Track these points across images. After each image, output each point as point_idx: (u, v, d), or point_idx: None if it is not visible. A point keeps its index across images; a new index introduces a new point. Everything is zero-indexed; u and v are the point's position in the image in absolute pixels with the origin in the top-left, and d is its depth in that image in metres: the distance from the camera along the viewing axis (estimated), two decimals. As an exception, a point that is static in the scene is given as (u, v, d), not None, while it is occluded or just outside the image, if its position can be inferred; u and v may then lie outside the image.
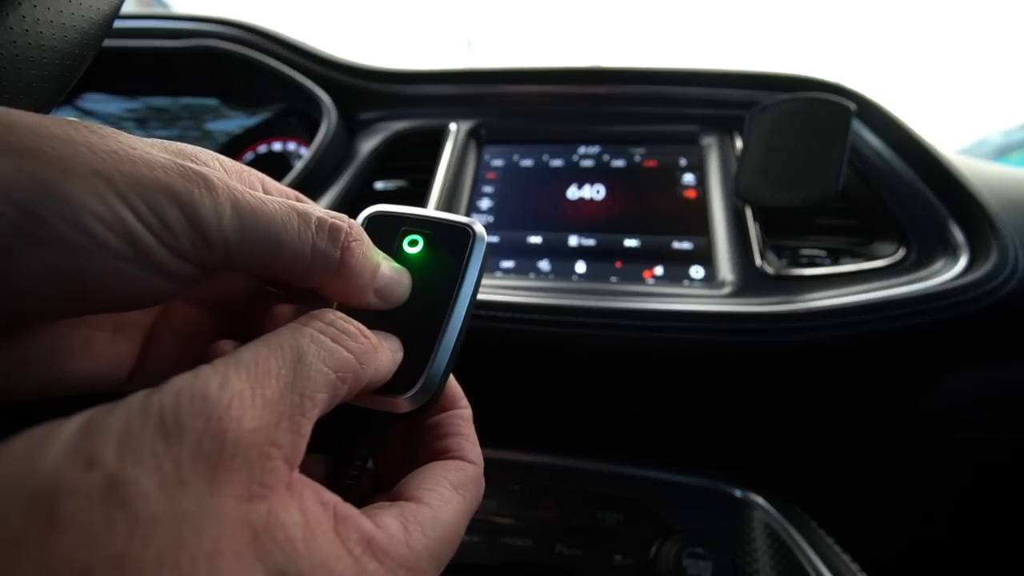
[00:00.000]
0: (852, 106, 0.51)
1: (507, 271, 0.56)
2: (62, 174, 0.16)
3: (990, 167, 0.57)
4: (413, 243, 0.26)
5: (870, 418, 0.53)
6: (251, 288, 0.26)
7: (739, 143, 0.59)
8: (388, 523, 0.18)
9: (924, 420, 0.52)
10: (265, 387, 0.16)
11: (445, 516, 0.21)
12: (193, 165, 0.19)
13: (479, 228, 0.27)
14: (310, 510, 0.17)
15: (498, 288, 0.50)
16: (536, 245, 0.57)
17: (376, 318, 0.24)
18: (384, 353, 0.22)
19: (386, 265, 0.24)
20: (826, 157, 0.50)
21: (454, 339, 0.25)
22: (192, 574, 0.13)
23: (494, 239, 0.58)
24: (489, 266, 0.56)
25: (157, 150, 0.19)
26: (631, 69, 0.63)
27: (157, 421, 0.14)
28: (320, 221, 0.21)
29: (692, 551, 0.43)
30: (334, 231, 0.21)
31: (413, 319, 0.25)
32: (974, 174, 0.50)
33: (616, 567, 0.44)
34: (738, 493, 0.48)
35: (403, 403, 0.24)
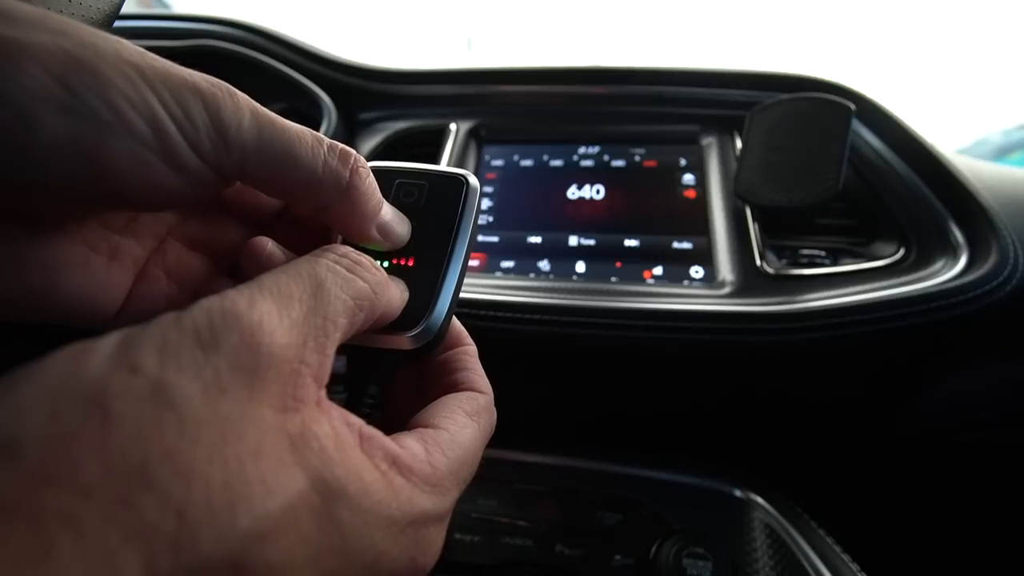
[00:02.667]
0: (852, 106, 0.51)
1: (507, 271, 0.56)
2: (96, 55, 0.16)
3: (990, 167, 0.57)
4: (408, 194, 0.28)
5: (870, 418, 0.53)
6: (245, 234, 0.26)
7: (739, 143, 0.59)
8: (410, 444, 0.19)
9: (924, 420, 0.52)
10: (290, 309, 0.17)
11: (463, 439, 0.22)
12: (213, 78, 0.20)
13: (472, 177, 0.28)
14: (338, 427, 0.17)
15: (498, 288, 0.50)
16: (536, 245, 0.57)
17: (382, 260, 0.26)
18: (394, 287, 0.23)
19: (387, 206, 0.25)
20: (826, 157, 0.50)
21: (455, 281, 0.26)
22: (239, 472, 0.14)
23: (494, 239, 0.58)
24: (489, 266, 0.56)
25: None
26: (631, 69, 0.63)
27: (193, 334, 0.15)
28: (332, 143, 0.22)
29: (692, 551, 0.43)
30: (344, 153, 0.22)
31: (417, 262, 0.26)
32: (974, 174, 0.50)
33: (616, 567, 0.44)
34: (738, 493, 0.48)
35: (410, 340, 0.25)
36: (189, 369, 0.14)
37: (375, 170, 0.27)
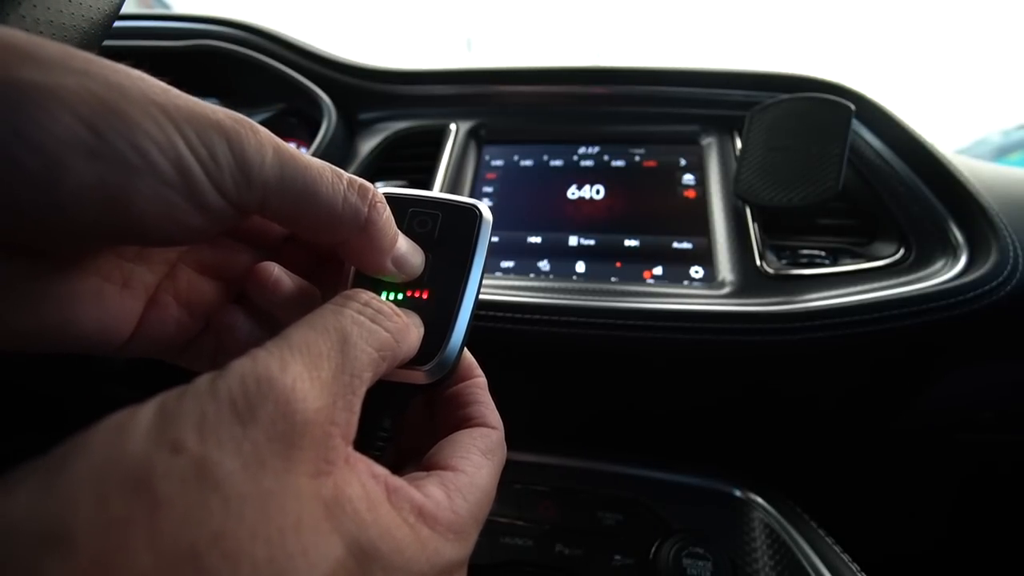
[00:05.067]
0: (852, 106, 0.51)
1: (507, 271, 0.56)
2: (122, 97, 0.17)
3: (990, 167, 0.57)
4: (422, 224, 0.27)
5: (870, 418, 0.53)
6: (255, 258, 0.26)
7: (739, 143, 0.59)
8: (433, 492, 0.20)
9: (923, 420, 0.52)
10: (320, 369, 0.17)
11: (480, 481, 0.22)
12: (229, 110, 0.20)
13: (484, 209, 0.28)
14: (367, 483, 0.18)
15: (498, 288, 0.50)
16: (536, 245, 0.57)
17: (396, 292, 0.26)
18: (413, 330, 0.23)
19: (403, 238, 0.25)
20: (826, 157, 0.50)
21: (468, 314, 0.26)
22: (282, 546, 0.14)
23: (494, 239, 0.58)
24: (489, 266, 0.56)
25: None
26: (631, 69, 0.63)
27: (229, 406, 0.15)
28: (351, 179, 0.22)
29: (692, 551, 0.43)
30: (363, 189, 0.23)
31: (430, 295, 0.26)
32: (974, 174, 0.50)
33: (616, 567, 0.44)
34: (738, 493, 0.48)
35: (425, 374, 0.25)
36: (229, 444, 0.14)
37: (389, 198, 0.27)
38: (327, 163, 0.22)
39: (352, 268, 0.27)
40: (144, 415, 0.15)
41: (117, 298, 0.22)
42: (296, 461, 0.16)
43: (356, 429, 0.19)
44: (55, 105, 0.15)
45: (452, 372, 0.26)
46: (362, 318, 0.20)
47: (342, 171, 0.22)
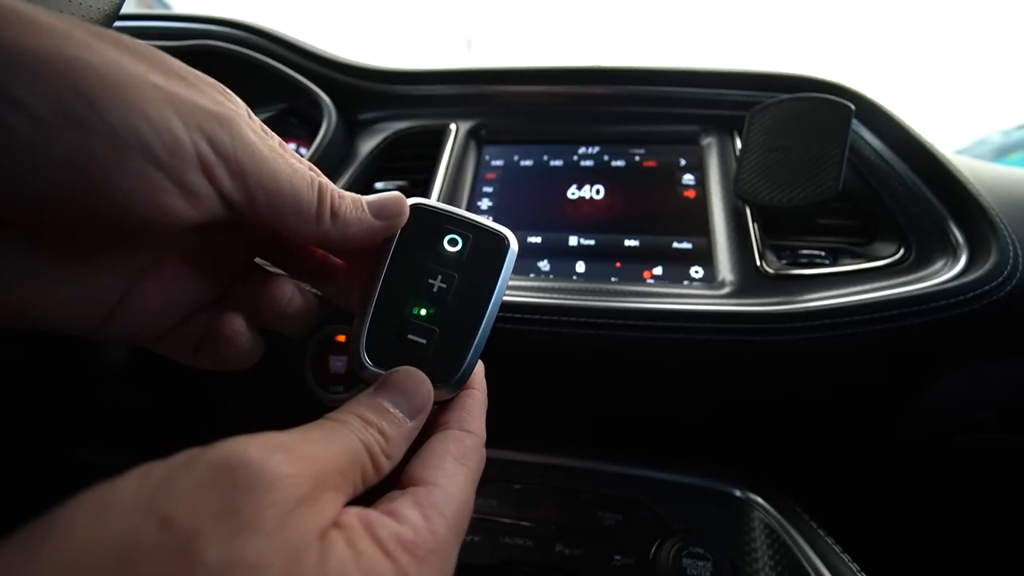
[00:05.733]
0: (852, 106, 0.51)
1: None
2: (122, 74, 0.17)
3: (990, 167, 0.57)
4: (453, 242, 0.28)
5: (869, 418, 0.53)
6: (240, 249, 0.27)
7: (739, 143, 0.59)
8: (409, 515, 0.20)
9: (923, 420, 0.52)
10: (312, 466, 0.18)
11: (455, 490, 0.22)
12: (230, 104, 0.21)
13: (513, 239, 0.29)
14: (352, 539, 0.18)
15: (498, 288, 0.50)
16: (536, 245, 0.57)
17: (420, 307, 0.27)
18: (403, 447, 0.24)
19: (370, 198, 0.26)
20: (826, 157, 0.50)
21: (486, 337, 0.27)
22: None
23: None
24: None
25: (203, 83, 0.21)
26: (631, 69, 0.63)
27: (216, 481, 0.15)
28: (312, 178, 0.24)
29: (692, 551, 0.43)
30: (322, 188, 0.24)
31: (453, 314, 0.27)
32: (974, 174, 0.50)
33: (616, 567, 0.44)
34: (738, 493, 0.48)
35: (442, 392, 0.26)
36: (210, 519, 0.15)
37: (423, 209, 0.28)
38: (313, 172, 0.23)
39: (383, 269, 0.27)
40: (127, 488, 0.15)
41: (92, 280, 0.22)
42: (281, 534, 0.16)
43: (344, 504, 0.19)
44: (49, 72, 0.15)
45: (461, 389, 0.27)
46: (376, 448, 0.21)
47: (324, 183, 0.24)
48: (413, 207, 0.28)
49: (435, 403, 0.26)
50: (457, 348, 0.26)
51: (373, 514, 0.19)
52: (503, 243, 0.28)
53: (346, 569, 0.17)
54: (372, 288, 0.27)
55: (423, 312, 0.27)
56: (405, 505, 0.20)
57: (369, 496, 0.21)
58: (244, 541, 0.15)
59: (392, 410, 0.23)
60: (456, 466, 0.23)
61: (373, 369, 0.26)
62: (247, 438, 0.17)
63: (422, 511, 0.20)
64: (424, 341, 0.26)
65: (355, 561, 0.17)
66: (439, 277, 0.27)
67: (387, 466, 0.22)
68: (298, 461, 0.17)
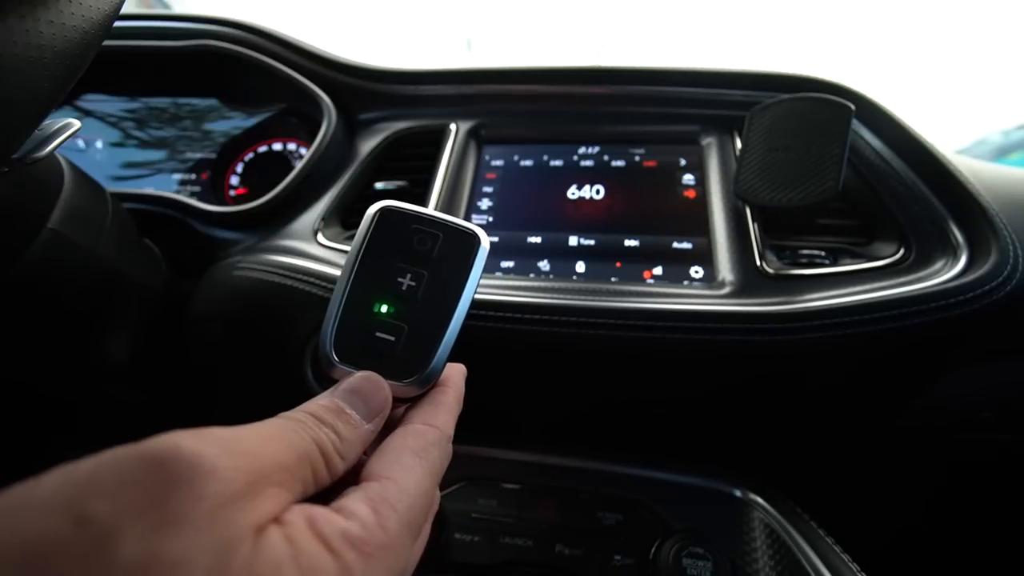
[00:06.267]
0: (852, 106, 0.51)
1: (507, 271, 0.56)
2: None
3: (990, 167, 0.57)
4: (422, 242, 0.28)
5: (869, 418, 0.53)
6: None
7: (739, 143, 0.59)
8: (358, 510, 0.19)
9: (923, 420, 0.52)
10: (253, 460, 0.17)
11: (410, 485, 0.21)
12: None
13: (483, 236, 0.29)
14: (290, 528, 0.17)
15: (498, 288, 0.50)
16: (536, 245, 0.57)
17: (389, 305, 0.27)
18: (359, 447, 0.23)
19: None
20: (826, 157, 0.50)
21: (455, 335, 0.27)
22: None
23: (494, 239, 0.58)
24: (489, 266, 0.56)
25: None
26: (631, 69, 0.63)
27: (142, 475, 0.15)
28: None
29: (692, 551, 0.43)
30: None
31: (421, 311, 0.27)
32: (974, 174, 0.50)
33: (616, 567, 0.44)
34: (738, 493, 0.48)
35: (405, 389, 0.26)
36: (130, 515, 0.14)
37: (391, 211, 0.29)
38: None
39: (353, 269, 0.27)
40: (46, 487, 0.14)
41: None
42: (209, 530, 0.15)
43: (292, 501, 0.18)
44: None
45: (432, 386, 0.27)
46: (331, 448, 0.21)
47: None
48: (382, 210, 0.29)
49: (403, 400, 0.26)
50: (426, 345, 0.26)
51: (319, 510, 0.18)
52: (473, 241, 0.29)
53: (281, 566, 0.16)
54: (341, 288, 0.27)
55: (392, 310, 0.27)
56: (354, 500, 0.20)
57: (327, 497, 0.20)
58: (166, 537, 0.14)
59: (348, 411, 0.23)
60: (414, 460, 0.22)
61: (341, 366, 0.26)
62: (185, 431, 0.16)
63: (372, 506, 0.20)
64: (392, 338, 0.27)
65: (292, 558, 0.16)
66: (408, 275, 0.28)
67: (341, 466, 0.21)
68: (237, 455, 0.17)
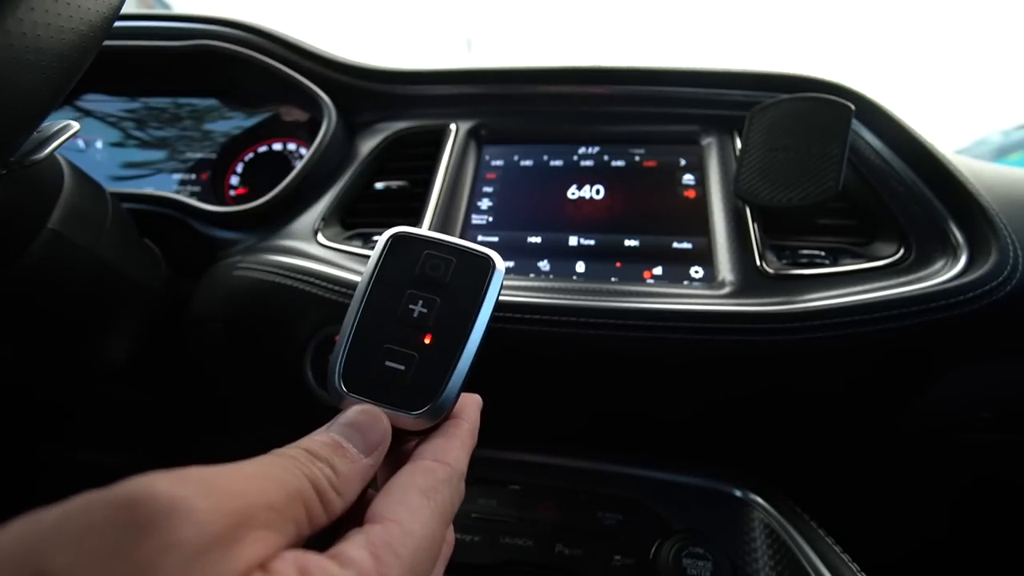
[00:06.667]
0: (852, 106, 0.51)
1: (507, 271, 0.56)
2: None
3: (990, 167, 0.57)
4: (435, 267, 0.28)
5: (869, 418, 0.53)
6: None
7: (739, 143, 0.59)
8: (356, 557, 0.18)
9: (923, 420, 0.52)
10: (234, 500, 0.16)
11: (415, 527, 0.20)
12: None
13: (498, 260, 0.28)
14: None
15: (498, 288, 0.50)
16: (536, 245, 0.57)
17: (398, 335, 0.26)
18: (356, 485, 0.22)
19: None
20: (826, 157, 0.50)
21: (469, 363, 0.26)
22: None
23: (494, 239, 0.58)
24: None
25: None
26: (631, 69, 0.63)
27: (109, 527, 0.14)
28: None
29: (692, 551, 0.43)
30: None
31: (433, 340, 0.26)
32: (974, 174, 0.50)
33: (616, 567, 0.44)
34: (738, 493, 0.48)
35: (414, 420, 0.25)
36: (101, 568, 0.13)
37: (403, 237, 0.28)
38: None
39: (363, 298, 0.27)
40: (6, 539, 0.13)
41: None
42: None
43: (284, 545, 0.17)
44: None
45: (444, 419, 0.26)
46: (324, 483, 0.19)
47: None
48: (394, 236, 0.28)
49: (415, 433, 0.25)
50: (437, 374, 0.25)
51: (312, 557, 0.17)
52: (487, 265, 0.28)
53: None
54: (351, 317, 0.27)
55: (402, 338, 0.26)
56: (354, 546, 0.18)
57: (328, 540, 0.19)
58: None
59: (345, 444, 0.22)
60: (421, 500, 0.21)
61: (349, 396, 0.25)
62: (163, 472, 0.15)
63: (373, 551, 0.18)
64: (403, 367, 0.26)
65: None
66: (420, 302, 0.27)
67: (339, 503, 0.20)
68: (216, 495, 0.15)
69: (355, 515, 0.21)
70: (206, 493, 0.15)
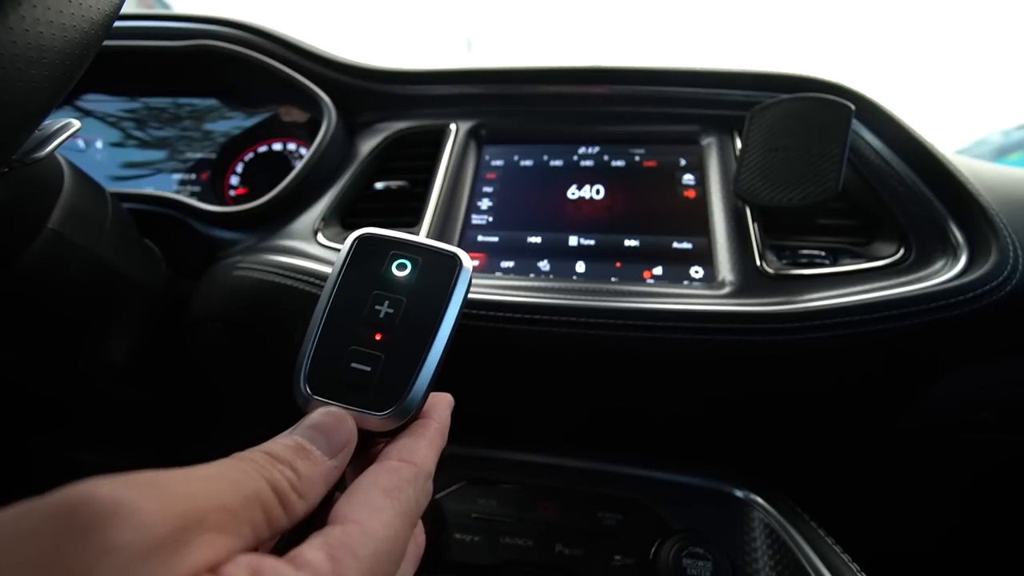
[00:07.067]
0: (852, 106, 0.51)
1: (507, 271, 0.56)
2: None
3: (990, 167, 0.57)
4: (401, 267, 0.28)
5: (869, 418, 0.53)
6: None
7: (739, 143, 0.59)
8: (312, 559, 0.17)
9: (923, 420, 0.52)
10: (183, 502, 0.16)
11: (376, 528, 0.19)
12: None
13: (465, 258, 0.28)
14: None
15: (498, 288, 0.50)
16: (536, 245, 0.57)
17: (364, 336, 0.26)
18: (319, 487, 0.21)
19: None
20: (826, 157, 0.50)
21: (436, 362, 0.26)
22: None
23: (494, 239, 0.58)
24: (489, 266, 0.56)
25: None
26: (631, 69, 0.63)
27: (39, 531, 0.13)
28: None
29: (692, 551, 0.43)
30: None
31: (400, 340, 0.26)
32: (974, 174, 0.50)
33: (616, 567, 0.44)
34: (738, 493, 0.48)
35: (379, 421, 0.25)
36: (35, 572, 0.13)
37: (369, 238, 0.28)
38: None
39: (329, 300, 0.27)
40: None
41: None
42: None
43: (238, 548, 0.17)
44: None
45: (412, 419, 0.26)
46: (284, 486, 0.19)
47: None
48: (360, 237, 0.28)
49: (383, 434, 0.25)
50: (403, 374, 0.25)
51: (267, 560, 0.17)
52: (454, 263, 0.28)
53: None
54: (317, 320, 0.26)
55: (368, 339, 0.26)
56: (311, 547, 0.18)
57: (294, 543, 0.19)
58: None
59: (308, 447, 0.21)
60: (384, 500, 0.20)
61: (315, 399, 0.25)
62: (109, 476, 0.15)
63: (330, 552, 0.18)
64: (368, 369, 0.25)
65: None
66: (386, 303, 0.27)
67: (300, 506, 0.19)
68: (163, 497, 0.15)
69: (321, 519, 0.20)
70: (152, 495, 0.15)
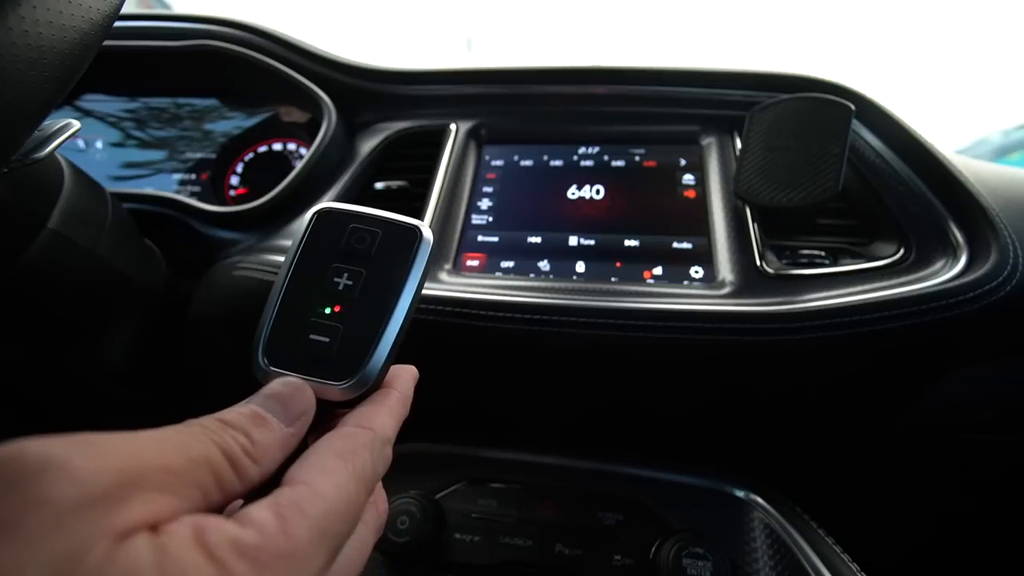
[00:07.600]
0: (852, 106, 0.51)
1: (507, 271, 0.56)
2: None
3: (990, 167, 0.57)
4: (360, 240, 0.28)
5: (870, 418, 0.53)
6: None
7: (739, 143, 0.59)
8: (258, 516, 0.17)
9: (924, 420, 0.52)
10: (123, 460, 0.16)
11: (326, 489, 0.19)
12: None
13: (426, 230, 0.28)
14: (165, 543, 0.15)
15: (498, 288, 0.50)
16: (536, 245, 0.57)
17: (322, 308, 0.26)
18: (275, 452, 0.21)
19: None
20: (826, 157, 0.50)
21: (396, 333, 0.26)
22: None
23: (494, 239, 0.58)
24: (489, 266, 0.56)
25: None
26: (631, 69, 0.63)
27: None
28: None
29: (692, 551, 0.43)
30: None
31: (358, 311, 0.26)
32: (974, 174, 0.50)
33: (616, 567, 0.44)
34: (738, 493, 0.48)
35: (339, 391, 0.25)
36: None
37: (328, 212, 0.28)
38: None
39: (288, 273, 0.27)
40: None
41: None
42: (48, 538, 0.13)
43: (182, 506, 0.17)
44: None
45: (372, 390, 0.26)
46: (237, 450, 0.19)
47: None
48: (319, 212, 0.28)
49: (343, 405, 0.25)
50: (362, 345, 0.25)
51: (211, 519, 0.17)
52: (414, 234, 0.28)
53: (138, 575, 0.14)
54: (275, 293, 0.27)
55: (327, 311, 0.26)
56: (258, 507, 0.18)
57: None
58: None
59: (264, 415, 0.21)
60: (337, 463, 0.21)
61: (273, 371, 0.25)
62: (46, 437, 0.15)
63: (277, 511, 0.18)
64: (327, 340, 0.26)
65: (156, 565, 0.14)
66: (345, 275, 0.27)
67: (254, 471, 0.19)
68: (101, 456, 0.15)
69: (276, 485, 0.20)
70: (88, 454, 0.15)
